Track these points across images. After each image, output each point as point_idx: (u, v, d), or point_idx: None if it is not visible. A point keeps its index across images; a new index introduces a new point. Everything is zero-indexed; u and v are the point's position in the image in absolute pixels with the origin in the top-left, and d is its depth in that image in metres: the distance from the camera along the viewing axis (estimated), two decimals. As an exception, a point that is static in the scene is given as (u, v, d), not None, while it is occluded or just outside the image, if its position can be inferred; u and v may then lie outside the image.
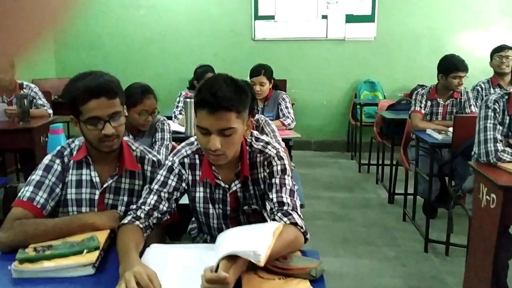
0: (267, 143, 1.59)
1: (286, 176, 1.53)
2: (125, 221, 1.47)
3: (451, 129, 3.19)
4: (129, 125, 2.34)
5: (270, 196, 1.49)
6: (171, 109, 5.39)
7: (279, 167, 1.54)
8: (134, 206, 1.52)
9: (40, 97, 3.74)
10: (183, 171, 1.58)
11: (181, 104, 3.48)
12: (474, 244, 2.38)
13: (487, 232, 2.21)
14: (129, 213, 1.51)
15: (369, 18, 5.72)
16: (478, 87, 3.69)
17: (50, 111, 3.76)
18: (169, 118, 3.70)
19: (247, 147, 1.57)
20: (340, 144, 5.97)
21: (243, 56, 5.88)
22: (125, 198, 1.62)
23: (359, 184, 4.69)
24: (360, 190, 4.51)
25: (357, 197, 4.30)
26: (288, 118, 3.37)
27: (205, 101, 1.39)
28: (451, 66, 3.44)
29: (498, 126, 2.34)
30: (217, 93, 1.38)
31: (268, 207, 1.51)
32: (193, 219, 1.80)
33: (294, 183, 1.54)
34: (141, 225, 1.47)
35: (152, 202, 1.52)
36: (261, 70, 3.44)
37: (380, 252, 3.19)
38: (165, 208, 1.53)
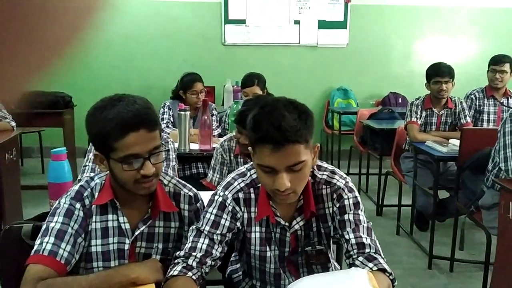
0: (333, 172, 1.37)
1: (360, 212, 1.32)
2: (175, 272, 1.20)
3: (452, 141, 3.12)
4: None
5: (346, 236, 1.28)
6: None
7: (351, 201, 1.33)
8: (182, 253, 1.25)
9: (0, 108, 3.29)
10: (237, 208, 1.33)
11: (166, 116, 3.18)
12: (501, 262, 2.29)
13: (520, 253, 2.11)
14: (176, 261, 1.24)
15: (342, 25, 5.63)
16: (472, 96, 3.65)
17: (13, 123, 3.32)
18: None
19: (310, 178, 1.35)
20: (313, 153, 5.83)
21: (213, 61, 5.62)
22: (160, 245, 1.34)
23: (342, 195, 4.56)
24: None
25: (343, 209, 4.15)
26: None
27: (268, 137, 1.16)
28: (431, 72, 3.42)
29: (526, 141, 2.26)
30: (281, 126, 1.15)
31: (334, 248, 1.29)
32: (233, 258, 1.54)
33: (367, 219, 1.34)
34: (194, 277, 1.21)
35: (204, 247, 1.26)
36: (254, 79, 3.22)
37: (384, 270, 3.05)
38: (218, 254, 1.27)
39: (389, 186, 3.98)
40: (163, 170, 2.12)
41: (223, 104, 4.80)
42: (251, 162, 1.42)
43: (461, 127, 3.35)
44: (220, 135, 3.22)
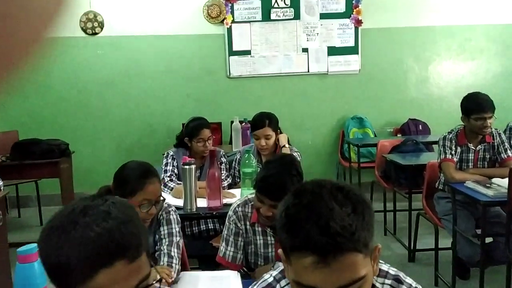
0: (398, 279, 0.99)
1: None
2: None
3: (496, 180, 2.73)
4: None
5: None
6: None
7: None
8: None
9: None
10: None
11: (170, 168, 2.82)
12: None
13: None
14: None
15: (353, 50, 5.31)
16: (512, 126, 3.26)
17: (0, 182, 2.98)
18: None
19: None
20: (329, 187, 5.43)
21: (219, 95, 5.30)
22: None
23: (366, 237, 4.14)
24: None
25: (370, 255, 3.74)
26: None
27: (311, 243, 0.81)
28: (472, 106, 2.94)
29: None
30: (330, 226, 0.80)
31: None
32: None
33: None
34: None
35: None
36: (265, 120, 2.87)
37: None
38: None
39: (420, 225, 3.57)
40: (165, 250, 1.75)
41: (230, 143, 4.45)
42: (279, 267, 1.04)
43: (503, 162, 2.96)
44: (230, 186, 2.86)
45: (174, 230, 1.78)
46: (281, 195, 1.64)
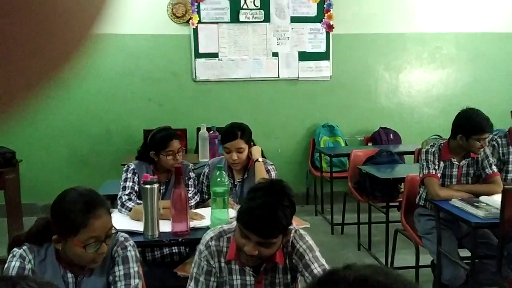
0: None
1: None
2: None
3: (484, 198, 2.56)
4: (70, 261, 1.36)
5: None
6: (96, 178, 4.29)
7: None
8: None
9: None
10: None
11: (129, 184, 2.48)
12: None
13: None
14: None
15: (324, 56, 5.12)
16: (494, 142, 3.10)
17: None
18: (109, 197, 2.69)
19: None
20: (298, 198, 5.21)
21: (183, 100, 4.98)
22: None
23: (339, 253, 3.93)
24: (344, 262, 3.75)
25: (345, 273, 3.52)
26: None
27: None
28: (475, 127, 2.69)
29: None
30: None
31: None
32: None
33: None
34: None
35: None
36: (236, 132, 2.58)
37: None
38: None
39: (397, 240, 3.38)
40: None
41: (196, 151, 4.15)
42: None
43: (487, 178, 2.81)
44: (197, 204, 2.56)
45: (132, 271, 1.47)
46: (271, 231, 1.40)
